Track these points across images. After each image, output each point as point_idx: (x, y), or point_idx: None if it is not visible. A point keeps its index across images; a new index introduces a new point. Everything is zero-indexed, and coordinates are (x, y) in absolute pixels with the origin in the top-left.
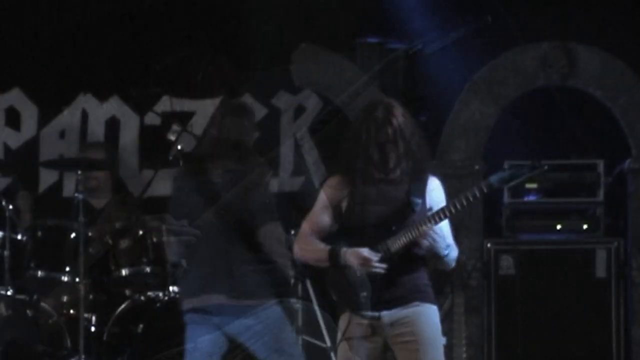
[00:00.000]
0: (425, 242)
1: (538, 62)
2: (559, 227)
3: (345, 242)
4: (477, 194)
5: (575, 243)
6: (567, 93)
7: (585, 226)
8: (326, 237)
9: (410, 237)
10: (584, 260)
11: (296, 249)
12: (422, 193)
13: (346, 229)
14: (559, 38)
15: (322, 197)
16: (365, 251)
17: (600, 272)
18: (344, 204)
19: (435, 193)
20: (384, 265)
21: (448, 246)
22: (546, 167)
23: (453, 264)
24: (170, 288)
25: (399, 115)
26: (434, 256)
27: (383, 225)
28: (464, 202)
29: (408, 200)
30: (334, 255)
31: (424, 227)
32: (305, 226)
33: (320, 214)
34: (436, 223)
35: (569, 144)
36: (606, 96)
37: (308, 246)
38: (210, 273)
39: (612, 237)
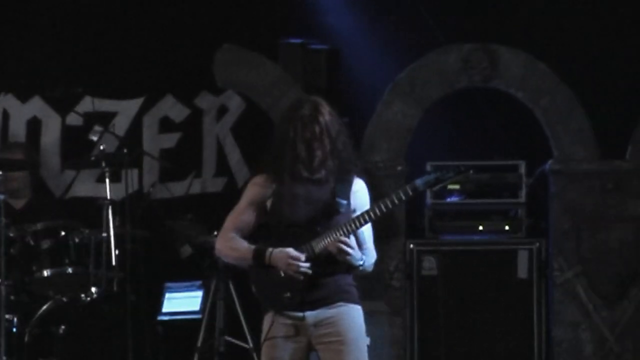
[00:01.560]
0: (338, 257)
1: (460, 64)
2: (481, 227)
3: (269, 241)
4: (403, 197)
5: (497, 244)
6: (489, 94)
7: (507, 227)
8: (249, 235)
9: (332, 240)
10: (506, 260)
11: (218, 246)
12: (347, 194)
13: (270, 228)
14: (481, 39)
15: (247, 195)
16: (291, 252)
17: (522, 272)
18: (269, 203)
19: (360, 195)
20: (308, 265)
21: (364, 255)
22: (472, 172)
23: (371, 269)
24: (92, 289)
25: (326, 114)
26: (349, 265)
27: (308, 226)
28: (389, 205)
29: (333, 201)
30: (258, 255)
31: (337, 244)
32: (228, 223)
33: (244, 211)
34: (360, 226)
35: (491, 145)
36: (528, 98)
37: (231, 244)
38: None
39: (533, 237)
